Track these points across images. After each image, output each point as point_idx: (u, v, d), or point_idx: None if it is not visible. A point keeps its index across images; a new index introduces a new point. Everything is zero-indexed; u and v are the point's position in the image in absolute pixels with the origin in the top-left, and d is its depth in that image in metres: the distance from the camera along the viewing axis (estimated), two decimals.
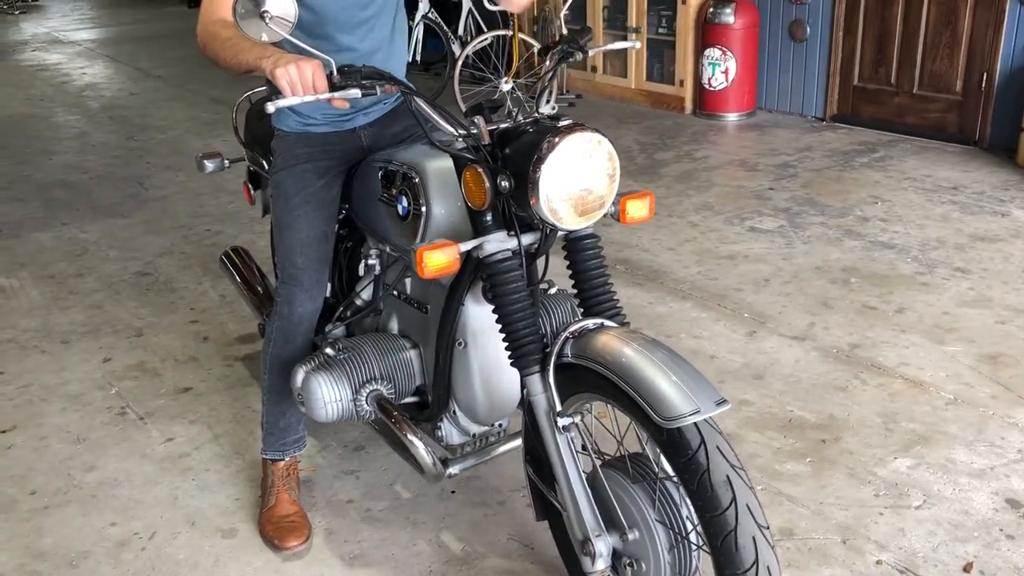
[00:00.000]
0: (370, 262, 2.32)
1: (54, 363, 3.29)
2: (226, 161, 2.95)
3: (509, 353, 1.83)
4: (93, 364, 3.27)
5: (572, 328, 1.75)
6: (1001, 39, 5.21)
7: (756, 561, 1.49)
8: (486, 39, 6.44)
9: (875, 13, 5.78)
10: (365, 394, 2.14)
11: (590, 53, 2.01)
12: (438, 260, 1.74)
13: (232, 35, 1.88)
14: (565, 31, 2.00)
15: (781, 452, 2.60)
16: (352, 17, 2.14)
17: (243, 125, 2.85)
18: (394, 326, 2.32)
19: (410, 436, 2.08)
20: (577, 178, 1.69)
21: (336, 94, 1.74)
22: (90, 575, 2.22)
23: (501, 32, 6.43)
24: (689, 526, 1.69)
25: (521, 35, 6.24)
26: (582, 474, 1.78)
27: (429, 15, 7.14)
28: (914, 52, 5.63)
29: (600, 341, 1.69)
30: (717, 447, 1.53)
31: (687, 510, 1.69)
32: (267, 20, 1.70)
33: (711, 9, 6.23)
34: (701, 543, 1.66)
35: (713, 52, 6.23)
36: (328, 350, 2.19)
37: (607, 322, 1.79)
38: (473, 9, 7.57)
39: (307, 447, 2.49)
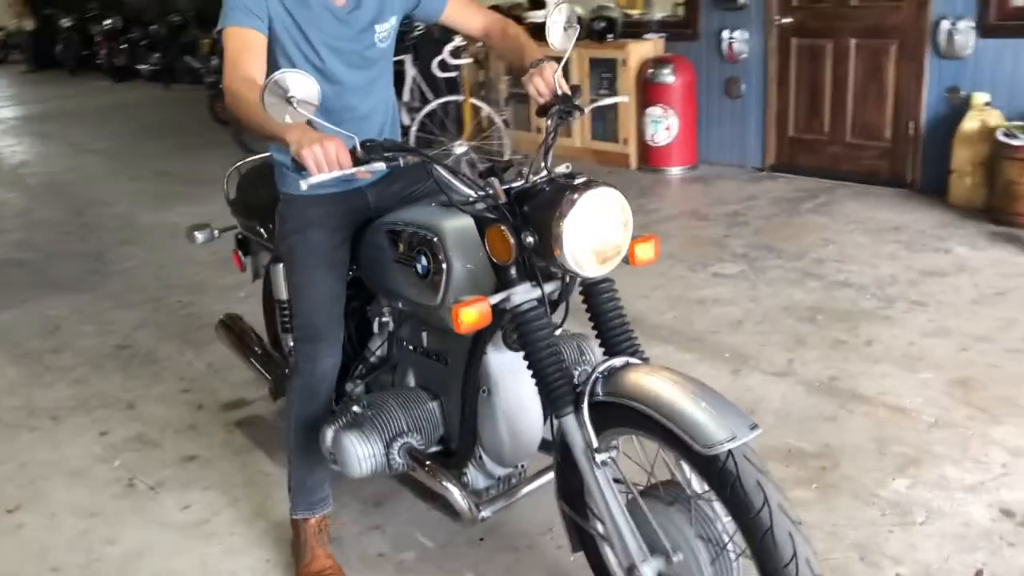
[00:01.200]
0: (383, 320, 2.39)
1: (47, 440, 3.24)
2: (215, 231, 3.00)
3: (542, 397, 1.93)
4: (89, 438, 3.23)
5: (601, 368, 1.87)
6: (924, 89, 5.60)
7: (795, 554, 1.61)
8: (440, 103, 6.62)
9: (805, 68, 6.15)
10: (396, 447, 2.21)
11: (585, 112, 2.15)
12: (472, 315, 1.83)
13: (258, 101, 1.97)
14: (560, 91, 2.11)
15: (786, 481, 2.73)
16: (356, 77, 2.25)
17: (235, 194, 2.90)
18: (411, 380, 2.40)
19: (444, 483, 2.14)
20: (596, 229, 1.82)
21: (362, 168, 1.84)
22: None
23: (453, 98, 6.61)
24: (725, 538, 1.80)
25: (472, 99, 6.43)
26: (622, 505, 1.87)
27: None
28: (844, 103, 6.00)
29: (631, 378, 1.82)
30: (745, 456, 1.66)
31: (721, 524, 1.81)
32: (294, 104, 1.77)
33: (650, 70, 6.53)
34: (739, 552, 1.78)
35: (655, 110, 6.52)
36: (355, 408, 2.26)
37: (631, 360, 1.91)
38: (418, 76, 7.76)
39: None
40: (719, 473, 1.65)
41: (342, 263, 2.33)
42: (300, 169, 1.81)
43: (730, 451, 1.64)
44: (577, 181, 1.82)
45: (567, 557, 2.38)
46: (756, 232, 5.18)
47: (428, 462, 2.19)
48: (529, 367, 1.92)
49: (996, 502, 2.58)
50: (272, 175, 2.63)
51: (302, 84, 1.76)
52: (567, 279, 1.95)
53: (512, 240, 1.83)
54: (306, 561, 2.36)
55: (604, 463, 1.84)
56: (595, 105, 2.32)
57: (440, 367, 2.26)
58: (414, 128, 6.58)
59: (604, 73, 6.88)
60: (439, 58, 6.57)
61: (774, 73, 6.31)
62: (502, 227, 1.84)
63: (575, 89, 2.15)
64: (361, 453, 2.17)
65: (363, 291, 2.47)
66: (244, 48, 2.06)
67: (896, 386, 3.27)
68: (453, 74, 6.63)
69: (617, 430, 1.87)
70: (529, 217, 1.84)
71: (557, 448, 1.99)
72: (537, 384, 1.92)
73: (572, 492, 2.02)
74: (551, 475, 2.24)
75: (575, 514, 2.03)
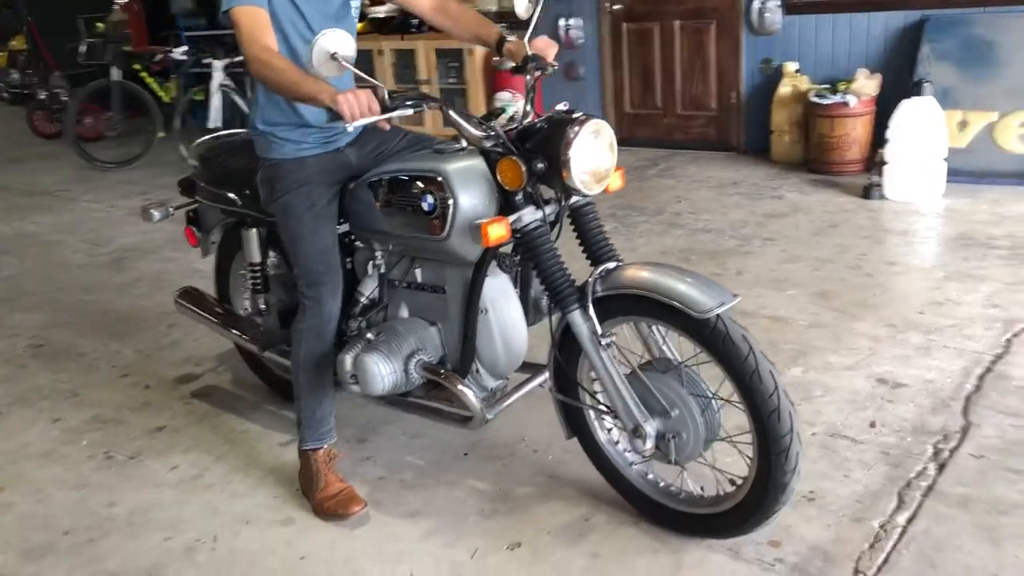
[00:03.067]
0: (377, 263, 2.67)
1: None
2: (170, 208, 3.18)
3: (551, 299, 2.31)
4: (43, 426, 3.27)
5: (598, 270, 2.29)
6: (741, 61, 6.37)
7: (776, 387, 2.06)
8: None
9: (637, 50, 6.80)
10: (412, 364, 2.51)
11: (556, 67, 2.57)
12: (499, 230, 2.22)
13: (285, 66, 2.27)
14: (530, 52, 2.52)
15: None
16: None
17: (202, 166, 3.08)
18: (404, 312, 2.67)
19: (460, 387, 2.46)
20: (595, 153, 2.23)
21: (393, 114, 2.17)
22: None
23: None
24: (711, 392, 2.25)
25: None
26: (624, 379, 2.27)
27: (225, 83, 7.33)
28: (673, 79, 6.70)
29: (626, 274, 2.25)
30: (730, 317, 2.11)
31: (704, 384, 2.26)
32: (338, 59, 2.11)
33: (495, 59, 6.97)
34: (720, 403, 2.25)
35: (504, 95, 6.97)
36: (368, 335, 2.55)
37: (619, 263, 2.34)
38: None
39: None
40: (711, 333, 2.09)
41: (334, 216, 2.60)
42: (336, 119, 2.10)
43: (719, 315, 2.07)
44: (575, 116, 2.21)
45: (545, 458, 2.79)
46: (616, 197, 5.72)
47: (443, 371, 2.51)
48: (538, 275, 2.30)
49: (871, 374, 3.18)
50: (242, 148, 2.85)
51: (342, 42, 2.07)
52: (562, 202, 2.32)
53: (523, 168, 2.18)
54: (321, 487, 2.59)
55: (608, 345, 2.24)
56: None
57: (436, 296, 2.56)
58: None
59: (451, 63, 7.27)
60: None
61: (609, 56, 6.92)
62: (514, 158, 2.19)
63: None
64: (383, 370, 2.46)
65: (344, 246, 2.70)
66: (255, 23, 2.31)
67: (771, 302, 3.86)
68: None
69: (615, 320, 2.29)
70: (536, 148, 2.20)
71: (555, 344, 2.38)
72: (546, 288, 2.30)
73: (568, 383, 2.41)
74: (531, 385, 2.63)
75: (572, 401, 2.42)
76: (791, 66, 6.07)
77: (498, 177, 2.26)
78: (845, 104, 5.60)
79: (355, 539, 2.49)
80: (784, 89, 6.02)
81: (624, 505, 2.50)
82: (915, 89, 5.20)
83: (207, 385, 3.50)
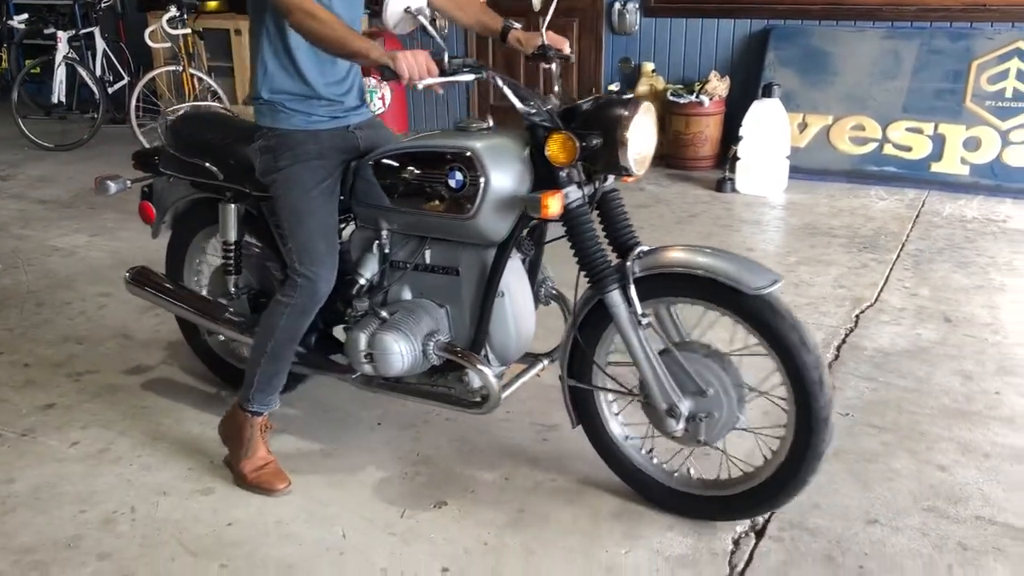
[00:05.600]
0: (381, 243, 2.52)
1: None
2: (128, 181, 3.01)
3: (590, 279, 2.30)
4: None
5: (635, 252, 2.29)
6: (603, 59, 6.68)
7: (819, 357, 2.15)
8: (157, 73, 6.56)
9: (502, 45, 6.96)
10: (431, 344, 2.45)
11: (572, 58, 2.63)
12: (557, 204, 2.21)
13: (332, 19, 2.24)
14: (547, 42, 2.49)
15: None
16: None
17: (176, 137, 2.88)
18: (407, 295, 2.56)
19: (479, 366, 2.41)
20: (647, 134, 2.26)
21: (452, 78, 2.17)
22: (97, 549, 2.33)
23: (172, 68, 6.55)
24: (744, 378, 2.30)
25: (191, 69, 6.43)
26: (659, 359, 2.28)
27: (69, 55, 6.96)
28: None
29: (668, 255, 2.26)
30: (777, 295, 2.16)
31: (735, 366, 2.31)
32: (412, 12, 2.17)
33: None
34: (749, 387, 2.31)
35: (369, 81, 6.97)
36: (383, 313, 2.47)
37: (651, 247, 2.32)
38: (107, 49, 7.50)
39: None
40: (761, 307, 2.14)
41: (337, 196, 2.53)
42: (392, 77, 2.12)
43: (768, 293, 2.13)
44: (626, 97, 2.25)
45: (459, 425, 2.90)
46: None
47: (460, 351, 2.46)
48: (577, 254, 2.31)
49: None
50: (221, 120, 2.83)
51: None
52: (596, 184, 2.32)
53: (578, 144, 2.16)
54: (247, 455, 2.58)
55: (648, 325, 2.28)
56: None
57: (448, 278, 2.48)
58: (133, 100, 6.46)
59: None
60: (152, 28, 6.50)
61: (474, 51, 7.06)
62: (568, 133, 2.16)
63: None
64: (403, 349, 2.40)
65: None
66: None
67: None
68: (167, 44, 6.58)
69: (652, 301, 2.29)
70: (589, 126, 2.19)
71: (575, 326, 2.39)
72: (585, 268, 2.30)
73: (582, 368, 2.43)
74: (532, 372, 2.64)
75: (585, 385, 2.43)
76: (648, 66, 6.44)
77: (547, 152, 2.20)
78: (700, 104, 6.00)
79: (283, 504, 2.52)
80: (642, 88, 6.36)
81: (543, 464, 2.66)
82: (765, 91, 5.65)
83: (95, 363, 3.38)
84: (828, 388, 2.15)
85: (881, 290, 4.03)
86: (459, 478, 2.63)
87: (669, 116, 6.15)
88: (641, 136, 2.22)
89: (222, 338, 3.03)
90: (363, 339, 2.47)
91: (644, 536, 2.36)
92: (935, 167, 5.62)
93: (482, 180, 2.27)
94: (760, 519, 2.41)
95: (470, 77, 2.22)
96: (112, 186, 2.96)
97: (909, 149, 5.69)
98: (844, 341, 3.51)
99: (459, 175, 2.30)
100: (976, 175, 5.53)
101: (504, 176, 2.29)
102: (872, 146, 5.76)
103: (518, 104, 2.25)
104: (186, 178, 2.86)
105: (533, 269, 2.61)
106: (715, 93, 6.04)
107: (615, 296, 2.27)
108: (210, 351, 3.16)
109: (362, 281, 2.56)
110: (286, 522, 2.44)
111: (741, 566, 2.25)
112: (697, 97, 6.00)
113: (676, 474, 2.46)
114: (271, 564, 2.27)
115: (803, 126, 5.88)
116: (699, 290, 2.21)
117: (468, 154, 2.29)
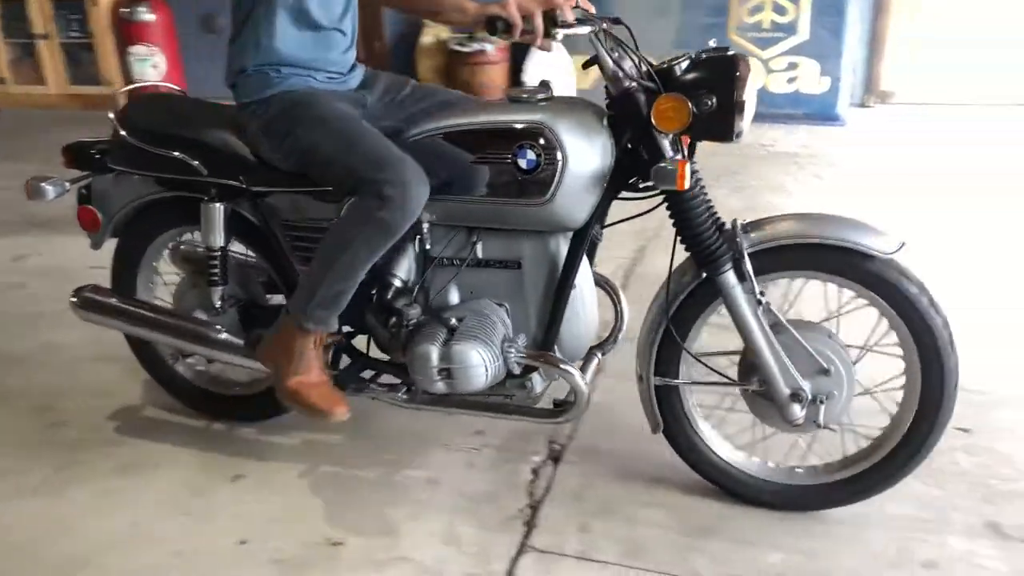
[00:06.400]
0: (422, 236, 2.19)
1: None
2: (66, 183, 2.50)
3: (703, 260, 2.03)
4: None
5: (737, 227, 2.03)
6: (381, 12, 6.57)
7: (945, 319, 2.00)
8: None
9: None
10: (513, 350, 2.15)
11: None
12: (688, 172, 1.91)
13: None
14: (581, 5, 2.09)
15: None
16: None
17: (145, 127, 2.39)
18: (454, 295, 2.24)
19: (564, 366, 2.15)
20: (753, 95, 1.95)
21: (572, 31, 1.89)
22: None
23: None
24: (848, 349, 2.09)
25: None
26: (776, 341, 2.06)
27: None
28: None
29: (779, 226, 2.03)
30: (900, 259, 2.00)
31: (841, 340, 2.10)
32: None
33: (125, 9, 6.54)
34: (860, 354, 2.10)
35: (139, 49, 6.57)
36: (451, 321, 2.16)
37: (749, 220, 2.09)
38: None
39: None
40: (888, 275, 1.97)
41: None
42: (505, 31, 1.90)
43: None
44: (731, 54, 1.95)
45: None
46: None
47: (541, 354, 2.17)
48: (688, 232, 2.03)
49: None
50: (201, 106, 2.44)
51: None
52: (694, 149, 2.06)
53: (691, 106, 1.88)
54: (303, 372, 2.22)
55: (768, 304, 2.04)
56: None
57: (507, 273, 2.18)
58: None
59: (72, 15, 6.69)
60: None
61: None
62: (678, 95, 1.89)
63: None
64: (487, 359, 2.08)
65: None
66: None
67: None
68: None
69: (764, 277, 2.05)
70: (697, 86, 1.91)
71: (667, 315, 2.12)
72: (695, 248, 2.04)
73: (670, 361, 2.18)
74: (592, 365, 2.38)
75: (680, 381, 2.19)
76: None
77: (653, 117, 1.93)
78: (483, 52, 6.03)
79: (64, 498, 2.37)
80: (426, 39, 6.32)
81: (344, 426, 2.51)
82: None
83: (67, 412, 2.85)
84: (955, 352, 2.02)
85: None
86: (255, 450, 2.56)
87: (455, 66, 6.15)
88: (752, 98, 1.94)
89: (192, 360, 2.66)
90: (434, 354, 2.11)
91: (444, 480, 2.39)
92: None
93: (560, 158, 1.98)
94: (557, 446, 2.49)
95: (585, 29, 1.93)
96: (49, 189, 2.44)
97: None
98: (632, 271, 3.67)
99: (531, 153, 1.99)
100: None
101: (585, 152, 2.00)
102: None
103: (610, 65, 1.96)
104: (152, 175, 2.41)
105: (590, 258, 2.29)
106: (497, 40, 6.07)
107: (730, 277, 2.03)
108: (178, 378, 2.74)
109: (397, 283, 2.23)
110: (67, 518, 2.28)
111: (539, 493, 2.32)
112: (480, 45, 6.02)
113: (799, 469, 2.25)
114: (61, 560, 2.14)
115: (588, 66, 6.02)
116: (814, 261, 2.02)
117: (541, 128, 1.99)
